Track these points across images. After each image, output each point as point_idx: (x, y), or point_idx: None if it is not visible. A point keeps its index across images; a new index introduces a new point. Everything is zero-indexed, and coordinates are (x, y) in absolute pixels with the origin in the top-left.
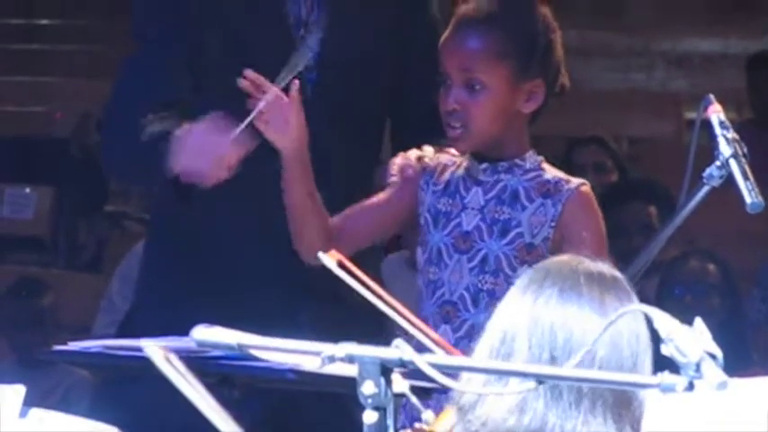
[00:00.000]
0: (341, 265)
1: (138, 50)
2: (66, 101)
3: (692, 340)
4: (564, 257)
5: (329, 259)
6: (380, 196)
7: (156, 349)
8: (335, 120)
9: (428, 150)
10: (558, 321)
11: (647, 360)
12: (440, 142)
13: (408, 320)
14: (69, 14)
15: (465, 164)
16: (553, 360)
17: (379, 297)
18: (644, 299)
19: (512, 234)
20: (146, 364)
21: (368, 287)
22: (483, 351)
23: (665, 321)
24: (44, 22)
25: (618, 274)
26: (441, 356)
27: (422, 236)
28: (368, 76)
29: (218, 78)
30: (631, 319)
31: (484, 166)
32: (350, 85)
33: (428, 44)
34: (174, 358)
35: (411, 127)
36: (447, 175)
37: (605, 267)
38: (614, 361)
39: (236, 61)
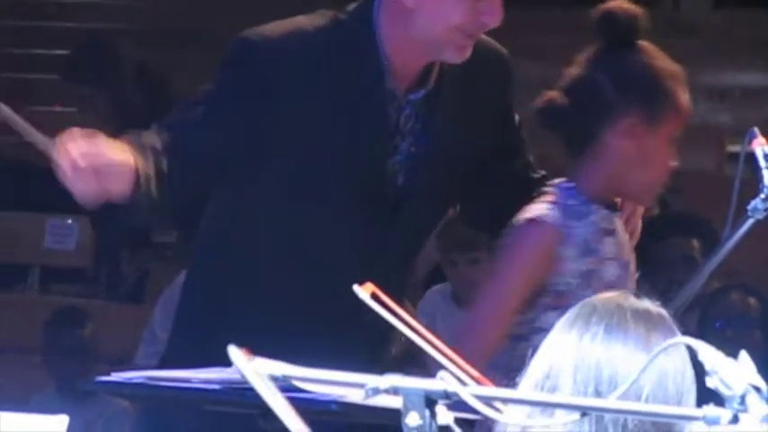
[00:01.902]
0: (374, 297)
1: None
2: None
3: (737, 373)
4: (611, 294)
5: (363, 292)
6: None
7: (242, 358)
8: (414, 219)
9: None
10: (603, 358)
11: (691, 398)
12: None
13: (444, 354)
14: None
15: (595, 217)
16: (598, 396)
17: (414, 330)
18: (686, 332)
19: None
20: (189, 395)
21: (402, 320)
22: (528, 385)
23: (709, 354)
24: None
25: (663, 311)
26: (485, 388)
27: (560, 299)
28: (452, 181)
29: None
30: (677, 356)
31: (618, 214)
32: (434, 191)
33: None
34: (261, 370)
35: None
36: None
37: (651, 305)
38: (660, 398)
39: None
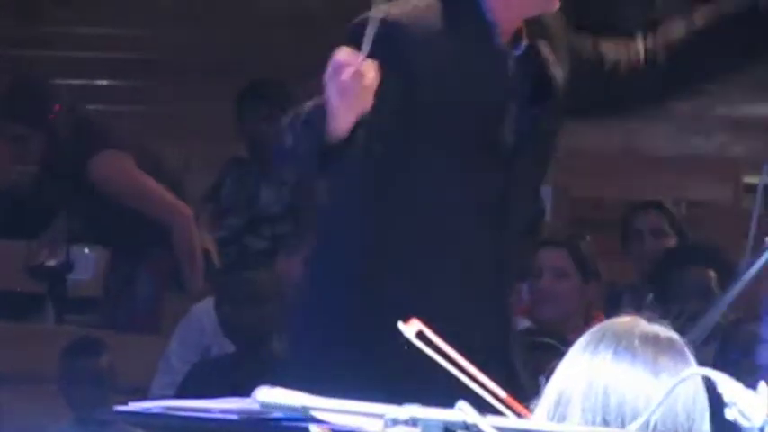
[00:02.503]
0: (420, 335)
1: None
2: None
3: (756, 404)
4: (623, 318)
5: (408, 329)
6: None
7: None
8: (528, 172)
9: None
10: (611, 384)
11: (704, 425)
12: None
13: (494, 394)
14: (123, 76)
15: None
16: (605, 424)
17: (461, 369)
18: (704, 363)
19: None
20: (207, 424)
21: (447, 357)
22: (541, 413)
23: (728, 385)
24: (101, 83)
25: (674, 335)
26: (504, 419)
27: None
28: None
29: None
30: (688, 382)
31: None
32: (542, 143)
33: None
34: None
35: None
36: None
37: (661, 329)
38: (669, 424)
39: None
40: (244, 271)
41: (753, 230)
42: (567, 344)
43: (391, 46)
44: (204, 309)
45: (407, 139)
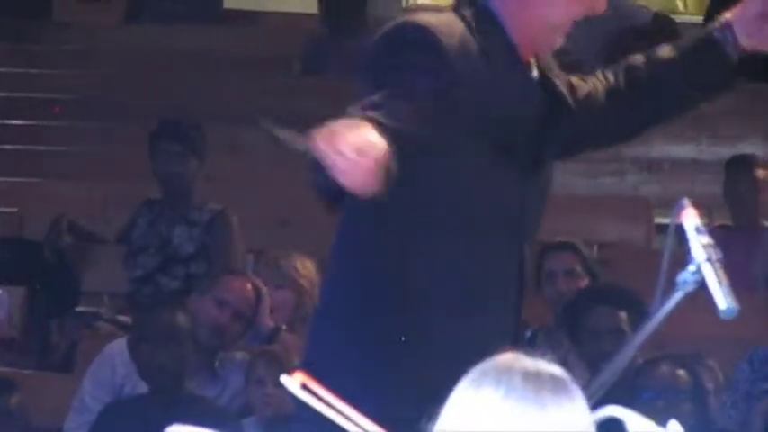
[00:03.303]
0: (304, 387)
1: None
2: (39, 202)
3: None
4: (506, 356)
5: (292, 382)
6: None
7: None
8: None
9: None
10: (493, 421)
11: None
12: None
13: None
14: (41, 116)
15: None
16: None
17: (348, 418)
18: (615, 403)
19: None
20: None
21: (334, 408)
22: None
23: (638, 424)
24: (16, 122)
25: (558, 370)
26: None
27: None
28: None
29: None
30: (574, 417)
31: None
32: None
33: None
34: None
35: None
36: None
37: (544, 365)
38: None
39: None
40: (161, 311)
41: (664, 271)
42: None
43: (435, 49)
44: (118, 348)
45: (440, 145)
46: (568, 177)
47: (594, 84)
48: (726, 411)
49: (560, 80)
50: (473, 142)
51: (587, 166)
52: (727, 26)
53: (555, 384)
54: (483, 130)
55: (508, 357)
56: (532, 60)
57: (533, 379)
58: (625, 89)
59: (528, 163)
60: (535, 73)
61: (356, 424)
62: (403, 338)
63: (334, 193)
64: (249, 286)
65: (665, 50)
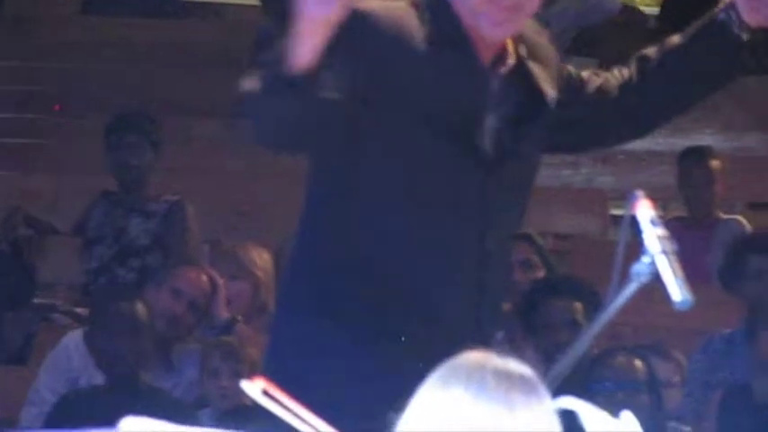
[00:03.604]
0: (265, 393)
1: None
2: None
3: None
4: (474, 354)
5: (253, 387)
6: None
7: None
8: (513, 189)
9: None
10: (463, 421)
11: None
12: None
13: None
14: None
15: None
16: None
17: (310, 425)
18: (570, 395)
19: None
20: None
21: (295, 414)
22: None
23: (591, 415)
24: None
25: (527, 370)
26: None
27: None
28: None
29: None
30: (541, 418)
31: None
32: (527, 155)
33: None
34: None
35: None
36: None
37: (514, 364)
38: None
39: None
40: (120, 301)
41: (618, 262)
42: None
43: (362, 33)
44: (73, 340)
45: (374, 130)
46: None
47: (607, 78)
48: (682, 401)
49: (547, 72)
50: (414, 128)
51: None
52: (731, 5)
53: (525, 385)
54: (422, 117)
55: (478, 356)
56: (510, 50)
57: (504, 379)
58: (637, 81)
59: (491, 153)
60: (510, 62)
61: (317, 430)
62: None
63: (283, 82)
64: (204, 277)
65: (673, 39)
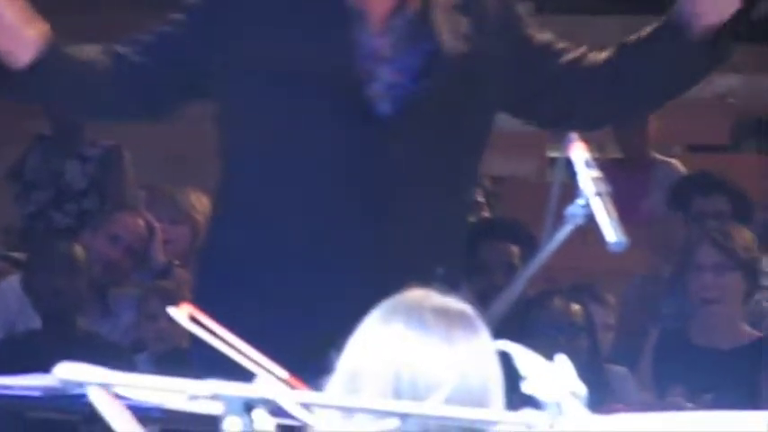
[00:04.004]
0: (192, 319)
1: None
2: None
3: (554, 378)
4: (415, 292)
5: (179, 313)
6: None
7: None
8: (428, 144)
9: None
10: (404, 357)
11: (498, 399)
12: None
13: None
14: None
15: None
16: (397, 396)
17: (237, 350)
18: (506, 337)
19: None
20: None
21: (223, 339)
22: (334, 388)
23: (526, 359)
24: None
25: (466, 307)
26: (305, 394)
27: None
28: (473, 90)
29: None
30: (481, 356)
31: None
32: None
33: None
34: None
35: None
36: None
37: (453, 301)
38: (462, 398)
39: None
40: (58, 242)
41: (552, 204)
42: None
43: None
44: (10, 285)
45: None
46: None
47: (585, 55)
48: (616, 344)
49: (466, 23)
50: (280, 88)
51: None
52: (681, 6)
53: (464, 321)
54: (289, 75)
55: (417, 294)
56: (411, 4)
57: (443, 316)
58: (608, 72)
59: (388, 110)
60: (411, 9)
61: (246, 356)
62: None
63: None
64: (141, 222)
65: (631, 43)
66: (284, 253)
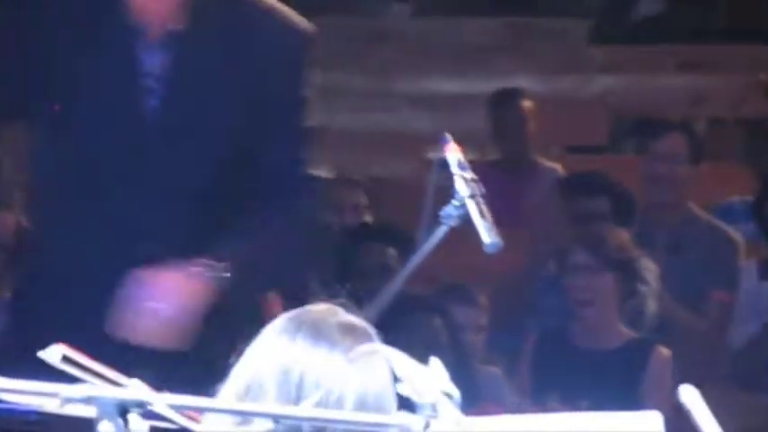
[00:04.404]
0: (66, 359)
1: None
2: None
3: (429, 380)
4: (320, 307)
5: (51, 354)
6: None
7: None
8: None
9: None
10: (309, 372)
11: (393, 407)
12: None
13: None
14: None
15: None
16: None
17: (113, 382)
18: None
19: None
20: None
21: (98, 374)
22: (228, 395)
23: (401, 361)
24: None
25: (367, 326)
26: (180, 397)
27: None
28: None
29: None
30: (380, 369)
31: None
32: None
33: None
34: None
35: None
36: None
37: (356, 319)
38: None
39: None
40: None
41: (428, 205)
42: None
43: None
44: None
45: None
46: (339, 112)
47: None
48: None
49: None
50: (71, 103)
51: (357, 100)
52: None
53: (367, 338)
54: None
55: (323, 309)
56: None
57: (350, 333)
58: None
59: (151, 120)
60: (170, 28)
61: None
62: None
63: None
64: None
65: None
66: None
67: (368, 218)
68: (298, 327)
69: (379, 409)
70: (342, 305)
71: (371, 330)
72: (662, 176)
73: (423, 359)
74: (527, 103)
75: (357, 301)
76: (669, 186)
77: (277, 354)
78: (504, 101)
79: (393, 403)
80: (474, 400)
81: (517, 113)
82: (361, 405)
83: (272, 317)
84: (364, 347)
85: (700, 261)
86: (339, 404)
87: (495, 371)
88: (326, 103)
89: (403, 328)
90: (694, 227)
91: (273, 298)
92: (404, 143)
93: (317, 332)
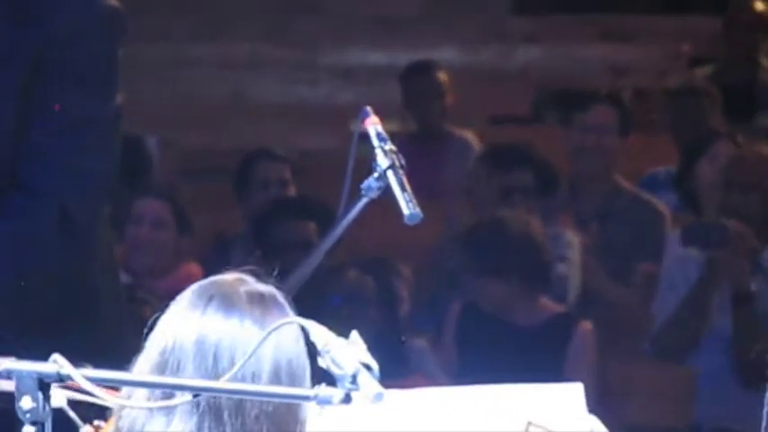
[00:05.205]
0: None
1: None
2: None
3: (348, 352)
4: (229, 277)
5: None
6: None
7: None
8: None
9: None
10: (222, 342)
11: (306, 379)
12: None
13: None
14: None
15: None
16: (217, 377)
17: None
18: (301, 312)
19: None
20: None
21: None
22: (144, 368)
23: (321, 334)
24: None
25: (278, 294)
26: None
27: None
28: None
29: None
30: (292, 337)
31: None
32: None
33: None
34: None
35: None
36: None
37: (265, 288)
38: (278, 379)
39: None
40: None
41: (348, 178)
42: (159, 296)
43: None
44: None
45: None
46: (262, 85)
47: None
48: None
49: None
50: None
51: (281, 73)
52: None
53: (277, 306)
54: None
55: (233, 280)
56: None
57: (258, 301)
58: None
59: None
60: None
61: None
62: None
63: None
64: None
65: None
66: None
67: (290, 191)
68: (209, 298)
69: (293, 376)
70: (252, 273)
71: (282, 299)
72: (590, 148)
73: (352, 316)
74: (442, 75)
75: (278, 275)
76: (597, 158)
77: (191, 326)
78: (417, 73)
79: (307, 374)
80: (402, 371)
81: (431, 85)
82: (276, 373)
83: None
84: (278, 318)
85: (627, 233)
86: (256, 374)
87: (422, 343)
88: (253, 76)
89: (335, 284)
90: (621, 199)
91: (192, 266)
92: (327, 116)
93: (228, 303)
